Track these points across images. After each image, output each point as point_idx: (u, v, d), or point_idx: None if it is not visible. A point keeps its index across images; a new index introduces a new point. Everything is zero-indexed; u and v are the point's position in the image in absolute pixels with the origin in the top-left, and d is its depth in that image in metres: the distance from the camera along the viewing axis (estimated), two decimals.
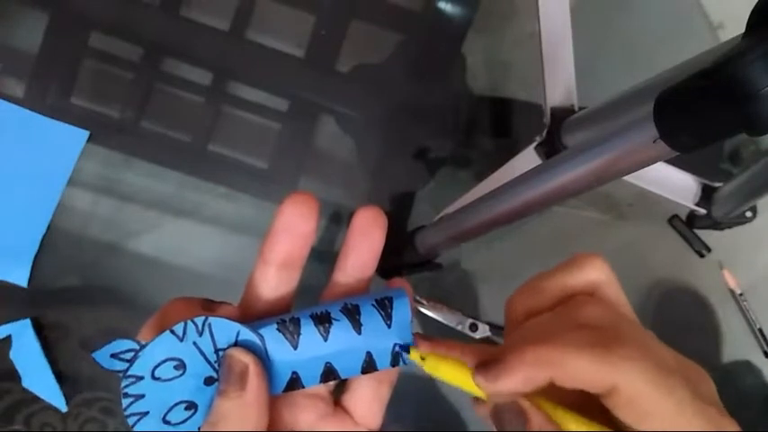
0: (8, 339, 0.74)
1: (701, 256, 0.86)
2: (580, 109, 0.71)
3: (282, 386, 0.26)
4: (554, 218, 0.84)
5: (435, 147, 0.85)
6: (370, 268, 0.27)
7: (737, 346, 0.85)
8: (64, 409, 0.74)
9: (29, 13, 0.82)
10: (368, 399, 0.28)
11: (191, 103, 0.83)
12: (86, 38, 0.82)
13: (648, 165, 0.42)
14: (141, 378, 0.25)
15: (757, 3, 0.34)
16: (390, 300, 0.26)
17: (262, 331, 0.25)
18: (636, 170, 0.43)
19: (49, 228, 0.77)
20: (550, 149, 0.72)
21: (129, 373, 0.25)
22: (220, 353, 0.25)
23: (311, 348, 0.25)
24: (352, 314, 0.26)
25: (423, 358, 0.25)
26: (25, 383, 0.74)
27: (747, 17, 0.35)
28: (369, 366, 0.26)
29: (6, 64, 0.81)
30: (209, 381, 0.25)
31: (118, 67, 0.83)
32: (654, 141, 0.38)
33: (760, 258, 0.87)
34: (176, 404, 0.25)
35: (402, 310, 0.26)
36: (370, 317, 0.26)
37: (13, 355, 0.74)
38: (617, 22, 0.90)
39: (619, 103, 0.62)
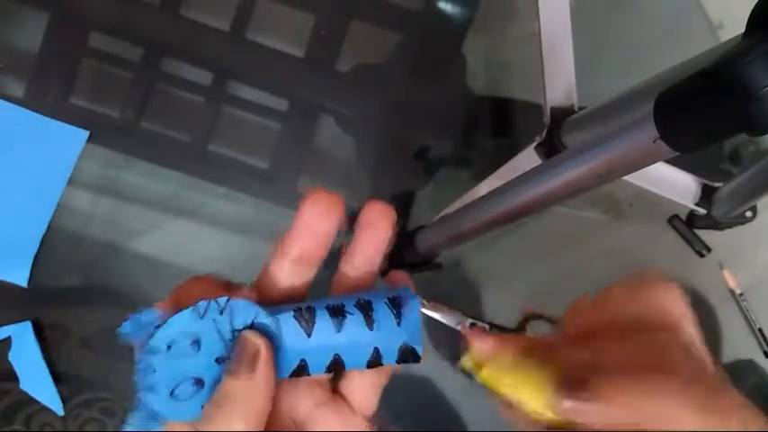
0: (8, 340, 0.74)
1: (701, 256, 0.86)
2: (580, 109, 0.71)
3: (289, 372, 0.26)
4: (554, 218, 0.84)
5: (435, 147, 0.85)
6: (378, 262, 0.28)
7: (737, 346, 0.85)
8: (61, 412, 0.74)
9: (29, 13, 0.82)
10: (366, 387, 0.28)
11: (191, 103, 0.83)
12: (86, 38, 0.82)
13: (648, 165, 0.42)
14: (156, 352, 0.25)
15: (757, 3, 0.34)
16: (401, 299, 0.27)
17: (279, 317, 0.26)
18: (636, 170, 0.43)
19: (49, 228, 0.77)
20: (550, 149, 0.72)
21: (147, 345, 0.25)
22: (236, 333, 0.25)
23: (323, 338, 0.26)
24: (366, 310, 0.26)
25: (476, 366, 0.26)
26: (23, 386, 0.74)
27: (747, 17, 0.35)
28: (375, 362, 0.27)
29: (6, 64, 0.81)
30: (220, 360, 0.25)
31: (118, 67, 0.83)
32: (654, 141, 0.38)
33: (760, 258, 0.87)
34: (186, 380, 0.25)
35: (412, 311, 0.27)
36: (383, 314, 0.27)
37: (12, 356, 0.74)
38: (617, 22, 0.90)
39: (619, 103, 0.62)
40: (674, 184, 0.76)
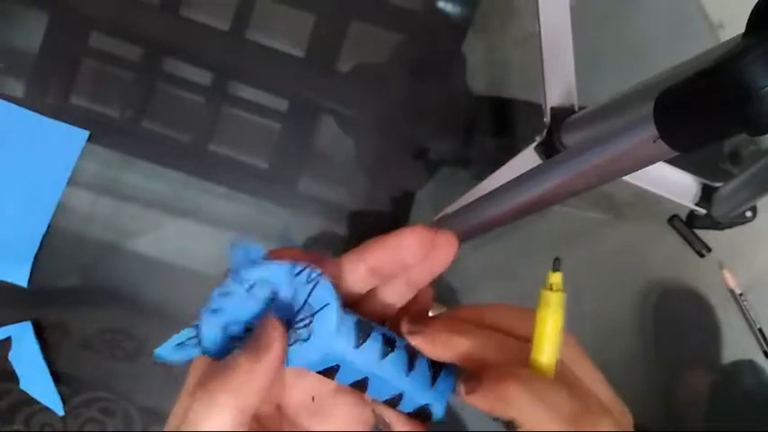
0: (8, 340, 0.74)
1: (701, 256, 0.86)
2: (580, 109, 0.71)
3: (320, 367, 0.26)
4: (554, 218, 0.84)
5: (435, 147, 0.85)
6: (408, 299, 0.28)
7: (737, 346, 0.85)
8: (61, 412, 0.74)
9: (29, 12, 0.82)
10: None
11: (191, 103, 0.83)
12: (86, 38, 0.82)
13: (648, 165, 0.42)
14: (241, 283, 0.25)
15: (757, 3, 0.34)
16: (441, 367, 0.28)
17: (346, 318, 0.26)
18: (636, 170, 0.43)
19: (49, 228, 0.77)
20: (550, 149, 0.72)
21: (237, 275, 0.26)
22: (306, 305, 0.26)
23: (365, 357, 0.26)
24: (412, 356, 0.27)
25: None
26: (23, 386, 0.74)
27: (747, 17, 0.35)
28: (392, 403, 0.27)
29: (6, 64, 0.81)
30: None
31: (118, 67, 0.83)
32: (654, 141, 0.38)
33: (760, 258, 0.87)
34: (240, 323, 0.25)
35: (448, 383, 0.28)
36: (421, 369, 0.27)
37: (12, 357, 0.74)
38: (617, 22, 0.90)
39: (619, 103, 0.62)
40: (674, 184, 0.76)
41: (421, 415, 0.28)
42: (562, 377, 0.25)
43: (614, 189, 0.85)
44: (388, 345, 0.27)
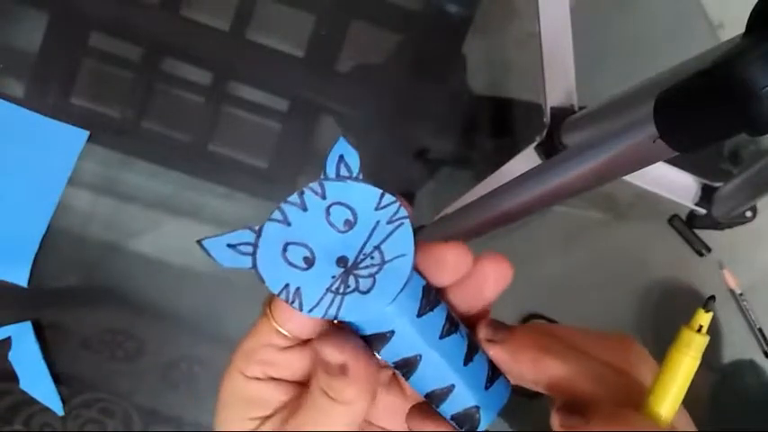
0: (8, 340, 0.74)
1: (701, 255, 0.86)
2: (580, 109, 0.71)
3: (370, 332, 0.23)
4: (554, 218, 0.84)
5: (435, 147, 0.85)
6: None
7: (737, 346, 0.85)
8: (61, 412, 0.74)
9: (29, 13, 0.82)
10: None
11: (191, 103, 0.83)
12: (86, 38, 0.82)
13: (648, 165, 0.42)
14: (321, 198, 0.22)
15: (757, 3, 0.34)
16: (500, 374, 0.24)
17: (414, 279, 0.23)
18: (636, 170, 0.43)
19: (49, 228, 0.77)
20: (550, 149, 0.72)
21: (320, 185, 0.22)
22: (377, 251, 0.22)
23: (425, 329, 0.23)
24: (473, 347, 0.24)
25: None
26: (23, 386, 0.74)
27: (747, 17, 0.35)
28: (440, 396, 0.23)
29: (6, 64, 0.81)
30: (340, 261, 0.22)
31: (118, 67, 0.83)
32: (654, 141, 0.38)
33: (760, 258, 0.87)
34: (303, 247, 0.22)
35: (503, 391, 0.24)
36: (481, 365, 0.24)
37: (12, 357, 0.74)
38: (617, 22, 0.90)
39: (619, 103, 0.62)
40: (674, 184, 0.76)
41: (467, 422, 0.24)
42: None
43: (614, 189, 0.85)
44: (452, 325, 0.23)
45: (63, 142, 0.79)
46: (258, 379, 0.24)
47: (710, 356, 0.83)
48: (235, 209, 0.81)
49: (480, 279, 0.24)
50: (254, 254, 0.22)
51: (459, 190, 0.74)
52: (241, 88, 0.84)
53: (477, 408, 0.24)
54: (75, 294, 0.78)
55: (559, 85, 0.72)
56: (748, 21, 0.35)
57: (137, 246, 0.79)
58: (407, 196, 0.83)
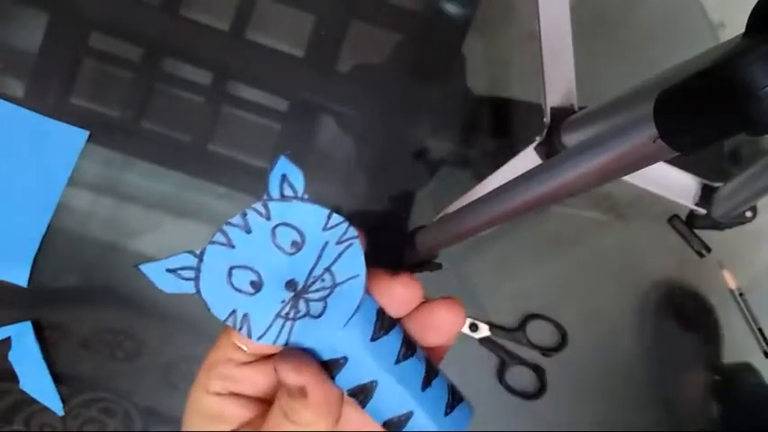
0: (8, 340, 0.74)
1: (701, 256, 0.86)
2: (580, 109, 0.71)
3: (324, 359, 0.22)
4: (554, 218, 0.84)
5: (435, 147, 0.85)
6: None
7: (737, 346, 0.84)
8: (61, 413, 0.74)
9: (29, 13, 0.82)
10: None
11: (191, 103, 0.83)
12: (86, 38, 0.82)
13: (648, 165, 0.42)
14: (266, 219, 0.21)
15: (757, 3, 0.34)
16: (461, 400, 0.24)
17: (367, 301, 0.22)
18: (636, 170, 0.43)
19: (48, 228, 0.77)
20: (550, 149, 0.72)
21: (264, 206, 0.21)
22: (326, 272, 0.21)
23: (380, 354, 0.22)
24: (431, 371, 0.23)
25: None
26: (23, 386, 0.74)
27: (747, 17, 0.35)
28: (394, 425, 0.22)
29: (6, 64, 0.81)
30: (289, 285, 0.21)
31: (118, 67, 0.83)
32: (654, 141, 0.38)
33: (760, 258, 0.87)
34: (248, 270, 0.21)
35: (464, 418, 0.23)
36: (440, 390, 0.23)
37: (12, 357, 0.74)
38: (617, 21, 0.90)
39: (619, 103, 0.62)
40: (674, 184, 0.76)
41: None
42: None
43: (614, 189, 0.85)
44: (409, 348, 0.22)
45: (63, 142, 0.79)
46: (219, 394, 0.24)
47: (710, 357, 0.83)
48: (235, 209, 0.81)
49: (433, 321, 0.24)
50: (196, 278, 0.21)
51: (459, 190, 0.74)
52: (241, 88, 0.84)
53: None
54: (75, 294, 0.78)
55: (559, 85, 0.72)
56: (748, 21, 0.35)
57: (137, 246, 0.79)
58: (407, 196, 0.83)
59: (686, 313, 0.85)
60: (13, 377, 0.74)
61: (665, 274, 0.86)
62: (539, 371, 0.80)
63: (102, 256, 0.78)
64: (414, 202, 0.83)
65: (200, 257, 0.21)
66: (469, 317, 0.79)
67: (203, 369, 0.25)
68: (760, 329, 0.84)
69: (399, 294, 0.23)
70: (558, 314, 0.81)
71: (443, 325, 0.24)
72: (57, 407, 0.74)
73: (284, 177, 0.22)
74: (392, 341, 0.22)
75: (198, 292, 0.21)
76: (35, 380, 0.74)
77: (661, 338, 0.84)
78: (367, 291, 0.22)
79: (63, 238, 0.78)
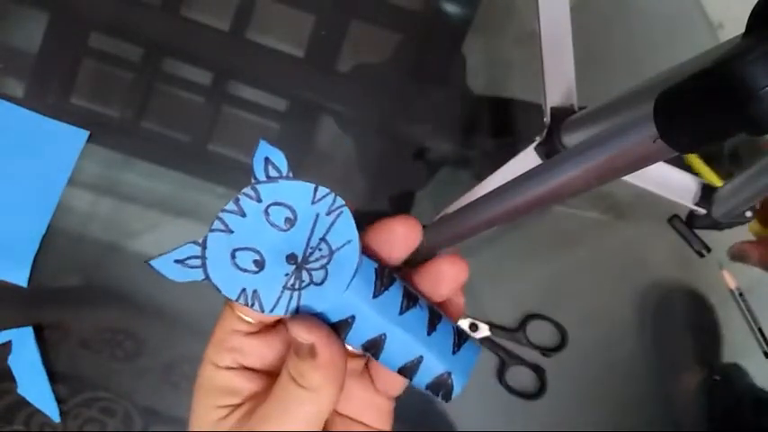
0: (8, 343, 0.74)
1: (701, 256, 0.86)
2: (580, 109, 0.71)
3: (334, 320, 0.23)
4: (554, 218, 0.84)
5: (435, 147, 0.85)
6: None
7: (737, 346, 0.85)
8: (57, 419, 0.74)
9: (29, 13, 0.82)
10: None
11: (191, 103, 0.83)
12: (86, 38, 0.82)
13: (648, 165, 0.42)
14: (247, 212, 0.23)
15: (757, 3, 0.34)
16: (467, 338, 0.25)
17: (365, 263, 0.24)
18: (636, 170, 0.43)
19: (49, 228, 0.77)
20: (550, 149, 0.71)
21: (254, 189, 0.23)
22: (323, 243, 0.23)
23: (383, 309, 0.23)
24: (434, 316, 0.24)
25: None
26: (20, 391, 0.74)
27: (747, 17, 0.35)
28: (407, 370, 0.24)
29: (6, 64, 0.81)
30: (290, 258, 0.23)
31: (118, 67, 0.83)
32: (654, 141, 0.38)
33: None
34: (251, 251, 0.23)
35: (472, 353, 0.25)
36: (446, 332, 0.25)
37: (11, 361, 0.74)
38: (617, 21, 0.90)
39: (619, 103, 0.62)
40: (674, 184, 0.76)
41: (441, 388, 0.25)
42: None
43: (614, 189, 0.85)
44: (410, 299, 0.24)
45: (63, 142, 0.79)
46: (229, 368, 0.25)
47: (710, 356, 0.83)
48: None
49: (437, 274, 0.25)
50: (203, 266, 0.23)
51: (459, 190, 0.74)
52: (241, 88, 0.84)
53: (449, 373, 0.24)
54: (75, 294, 0.78)
55: (559, 85, 0.72)
56: (748, 21, 0.35)
57: (137, 246, 0.79)
58: (407, 196, 0.83)
59: (686, 313, 0.85)
60: (13, 377, 0.74)
61: (665, 274, 0.86)
62: (539, 371, 0.80)
63: (102, 256, 0.78)
64: (414, 202, 0.83)
65: (204, 245, 0.23)
66: (469, 317, 0.79)
67: (210, 345, 0.26)
68: (760, 329, 0.84)
69: (400, 232, 0.24)
70: (557, 314, 0.81)
71: (447, 276, 0.25)
72: (53, 413, 0.74)
73: (267, 160, 0.25)
74: (393, 295, 0.24)
75: (207, 277, 0.23)
76: (33, 385, 0.74)
77: (661, 338, 0.84)
78: (365, 252, 0.24)
79: (63, 238, 0.78)
